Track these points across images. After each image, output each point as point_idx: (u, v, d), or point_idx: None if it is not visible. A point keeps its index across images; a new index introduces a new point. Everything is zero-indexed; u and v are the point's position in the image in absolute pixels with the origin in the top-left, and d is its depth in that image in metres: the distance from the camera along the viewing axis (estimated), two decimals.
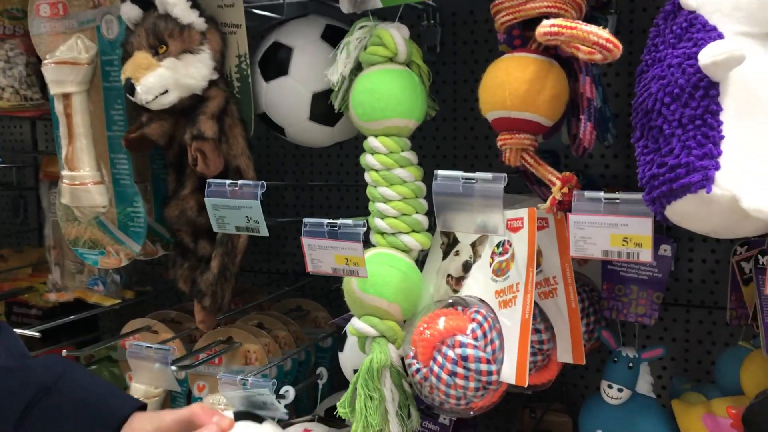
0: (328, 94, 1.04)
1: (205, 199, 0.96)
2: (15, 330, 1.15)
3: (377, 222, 0.94)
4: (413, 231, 0.94)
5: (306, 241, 0.89)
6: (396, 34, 0.93)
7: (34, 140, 1.88)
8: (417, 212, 0.94)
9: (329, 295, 1.47)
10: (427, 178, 0.90)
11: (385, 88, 0.91)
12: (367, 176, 0.95)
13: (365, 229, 0.87)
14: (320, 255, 0.89)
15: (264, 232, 0.96)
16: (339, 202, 1.60)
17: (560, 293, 0.89)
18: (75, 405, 0.91)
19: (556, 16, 0.84)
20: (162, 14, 1.00)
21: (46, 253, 1.42)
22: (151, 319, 1.33)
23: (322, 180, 1.60)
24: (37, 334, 1.12)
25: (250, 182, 0.94)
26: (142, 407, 0.95)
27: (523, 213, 0.85)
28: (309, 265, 0.91)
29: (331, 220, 0.88)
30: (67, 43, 1.12)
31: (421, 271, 0.96)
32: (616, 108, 1.22)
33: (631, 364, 0.97)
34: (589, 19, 0.98)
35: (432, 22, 1.48)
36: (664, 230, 0.98)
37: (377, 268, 0.90)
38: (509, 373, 0.83)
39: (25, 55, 1.25)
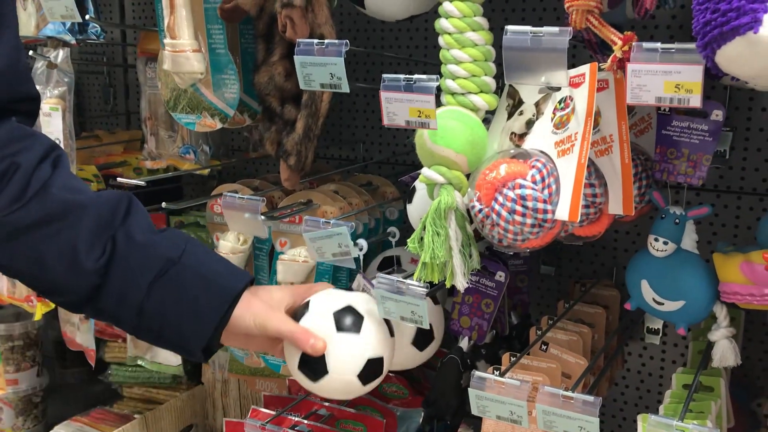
0: None
1: (295, 57, 1.06)
2: (120, 180, 1.31)
3: (448, 83, 1.02)
4: (482, 91, 1.02)
5: (384, 95, 0.99)
6: None
7: (122, 16, 2.00)
8: (486, 74, 1.02)
9: (396, 176, 1.58)
10: (498, 38, 0.98)
11: None
12: (441, 40, 1.03)
13: (437, 84, 0.96)
14: (396, 108, 0.98)
15: (345, 88, 1.06)
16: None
17: (615, 150, 0.98)
18: (195, 278, 1.00)
19: None
20: None
21: (142, 125, 1.57)
22: (238, 185, 1.47)
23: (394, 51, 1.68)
24: (143, 182, 1.26)
25: (335, 41, 1.04)
26: (252, 281, 1.07)
27: (585, 69, 0.93)
28: (385, 118, 1.01)
29: (407, 76, 0.98)
30: None
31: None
32: None
33: (677, 221, 1.05)
34: None
35: None
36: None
37: (447, 122, 1.00)
38: (563, 211, 0.92)
39: None
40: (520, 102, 1.05)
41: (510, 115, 1.05)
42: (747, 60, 0.76)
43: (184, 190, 1.92)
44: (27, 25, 1.45)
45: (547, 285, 1.63)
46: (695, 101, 0.82)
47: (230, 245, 1.42)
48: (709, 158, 1.03)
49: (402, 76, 0.98)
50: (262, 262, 1.46)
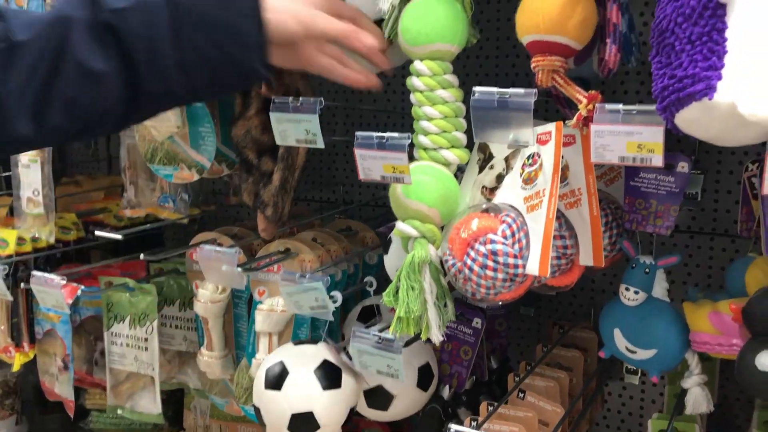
0: (379, 23, 1.16)
1: (270, 113, 1.08)
2: (97, 233, 1.30)
3: (420, 138, 1.05)
4: (452, 146, 1.04)
5: (358, 152, 1.01)
6: None
7: None
8: (456, 130, 1.05)
9: (376, 219, 1.60)
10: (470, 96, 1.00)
11: (430, 15, 1.01)
12: (412, 97, 1.06)
13: (410, 141, 0.99)
14: (370, 164, 1.01)
15: (321, 144, 1.08)
16: (385, 128, 1.72)
17: (583, 203, 1.00)
18: (204, 1, 0.90)
19: None
20: None
21: (122, 173, 1.58)
22: (216, 233, 1.48)
23: (370, 104, 1.71)
24: (120, 236, 1.27)
25: (310, 99, 1.06)
26: None
27: (551, 127, 0.95)
28: (361, 173, 1.03)
29: (380, 134, 1.00)
30: None
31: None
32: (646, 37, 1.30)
33: (647, 270, 1.07)
34: None
35: None
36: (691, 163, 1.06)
37: (419, 176, 1.02)
38: (533, 266, 0.94)
39: None
40: (491, 156, 1.07)
41: (481, 169, 1.08)
42: (704, 123, 0.78)
43: (164, 236, 1.92)
44: None
45: (527, 325, 1.65)
46: (657, 161, 0.85)
47: (209, 294, 1.42)
48: (676, 209, 1.05)
49: (375, 134, 1.01)
50: (241, 311, 1.47)
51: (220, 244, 1.46)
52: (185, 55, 0.90)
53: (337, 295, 1.16)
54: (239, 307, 1.47)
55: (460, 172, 1.11)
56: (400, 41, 1.06)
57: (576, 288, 1.59)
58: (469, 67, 1.59)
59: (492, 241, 0.95)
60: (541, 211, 0.94)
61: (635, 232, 1.11)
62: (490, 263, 0.94)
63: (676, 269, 1.46)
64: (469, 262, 0.96)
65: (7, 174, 1.64)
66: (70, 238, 1.68)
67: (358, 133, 1.02)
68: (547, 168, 0.94)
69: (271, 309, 1.32)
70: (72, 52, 0.87)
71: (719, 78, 0.75)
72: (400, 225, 1.04)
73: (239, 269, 1.22)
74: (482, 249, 0.95)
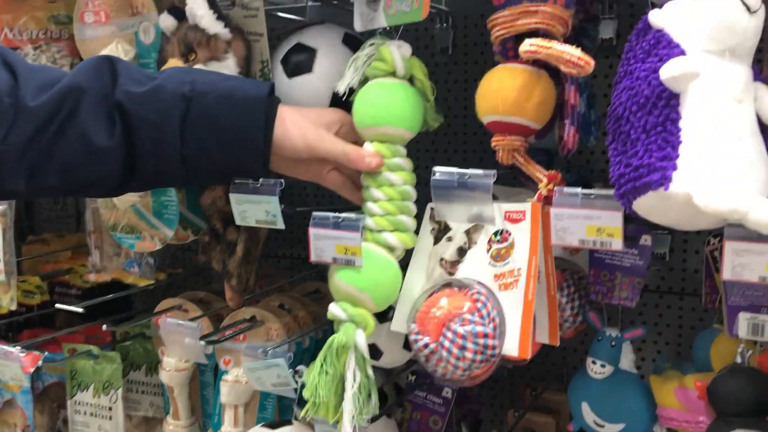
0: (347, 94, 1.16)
1: (229, 194, 1.07)
2: (57, 306, 1.28)
3: (366, 220, 1.02)
4: (396, 230, 1.01)
5: (312, 231, 1.00)
6: (395, 52, 1.01)
7: None
8: (402, 213, 1.01)
9: None
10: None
11: (379, 99, 1.00)
12: (362, 177, 1.04)
13: (363, 221, 0.98)
14: (323, 244, 1.00)
15: (280, 225, 1.07)
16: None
17: (542, 281, 0.99)
18: (219, 103, 0.93)
19: (546, 31, 0.94)
20: (192, 25, 1.11)
21: (87, 237, 1.55)
22: (182, 299, 1.45)
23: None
24: (81, 309, 1.25)
25: (270, 180, 1.05)
26: (273, 88, 1.00)
27: (525, 207, 0.94)
28: (312, 254, 1.02)
29: (336, 214, 0.99)
30: (108, 47, 1.24)
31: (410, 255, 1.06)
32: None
33: (613, 343, 1.06)
34: (579, 31, 1.08)
35: (445, 25, 1.59)
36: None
37: None
38: (512, 347, 0.93)
39: (70, 57, 1.38)
40: (447, 227, 1.05)
41: (437, 240, 1.06)
42: (661, 211, 0.79)
43: (132, 296, 1.89)
44: None
45: (500, 385, 1.63)
46: (617, 245, 0.84)
47: (174, 362, 1.39)
48: (641, 282, 1.05)
49: (331, 214, 1.00)
50: (207, 378, 1.44)
51: (185, 311, 1.44)
52: (189, 149, 0.93)
53: (302, 369, 1.14)
54: (205, 374, 1.44)
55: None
56: (354, 122, 1.04)
57: (547, 347, 1.59)
58: (438, 143, 1.60)
59: (470, 322, 0.93)
60: (517, 290, 0.93)
61: (601, 303, 1.11)
62: (469, 345, 0.93)
63: (647, 329, 1.46)
64: (446, 343, 0.94)
65: None
66: (34, 302, 1.65)
67: (315, 213, 1.01)
68: (522, 248, 0.94)
69: (236, 380, 1.29)
70: (79, 122, 0.90)
71: (674, 168, 0.75)
72: (331, 306, 1.02)
73: (202, 342, 1.20)
74: (460, 330, 0.93)
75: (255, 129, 0.94)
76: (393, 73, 1.02)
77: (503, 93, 0.94)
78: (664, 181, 0.75)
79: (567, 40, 1.00)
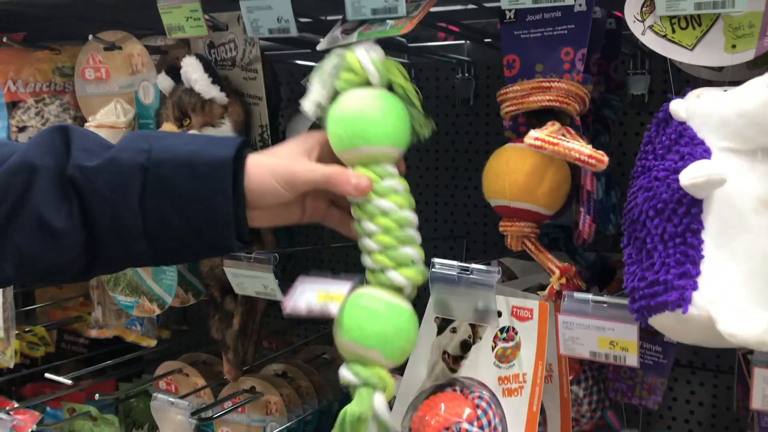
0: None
1: (225, 268, 1.01)
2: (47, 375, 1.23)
3: (364, 259, 0.87)
4: (399, 265, 0.83)
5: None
6: (363, 56, 0.84)
7: None
8: (404, 245, 0.84)
9: None
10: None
11: (354, 114, 0.83)
12: (351, 209, 0.87)
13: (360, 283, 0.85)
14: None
15: (280, 297, 1.00)
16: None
17: (554, 381, 0.90)
18: (178, 172, 0.81)
19: (560, 109, 0.86)
20: (187, 88, 1.06)
21: (90, 291, 1.51)
22: (182, 363, 1.40)
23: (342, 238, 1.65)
24: (69, 382, 1.19)
25: (263, 255, 0.98)
26: (246, 143, 0.85)
27: (533, 305, 0.86)
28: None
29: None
30: (107, 106, 1.19)
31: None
32: None
33: None
34: (601, 102, 0.99)
35: (466, 75, 1.51)
36: None
37: (351, 310, 0.83)
38: None
39: (73, 110, 1.33)
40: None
41: (440, 330, 0.97)
42: (683, 332, 0.69)
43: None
44: None
45: None
46: (631, 360, 0.75)
47: None
48: (664, 382, 0.95)
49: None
50: None
51: (186, 375, 1.38)
52: (152, 227, 0.82)
53: None
54: None
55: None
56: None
57: None
58: (458, 197, 1.52)
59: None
60: (522, 399, 0.85)
61: (620, 401, 1.01)
62: None
63: (677, 406, 1.36)
64: None
65: None
66: (38, 354, 1.61)
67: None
68: (529, 351, 0.85)
69: None
70: (32, 203, 0.80)
71: (694, 287, 0.66)
72: (341, 371, 0.86)
73: (193, 420, 1.14)
74: None
75: (222, 199, 0.81)
76: (367, 82, 0.84)
77: (512, 177, 0.85)
78: (683, 302, 0.65)
79: (587, 113, 0.92)
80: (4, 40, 1.28)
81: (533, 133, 0.75)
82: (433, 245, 1.60)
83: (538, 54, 0.87)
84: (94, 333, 1.49)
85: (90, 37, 1.18)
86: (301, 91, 0.96)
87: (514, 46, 0.88)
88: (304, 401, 1.30)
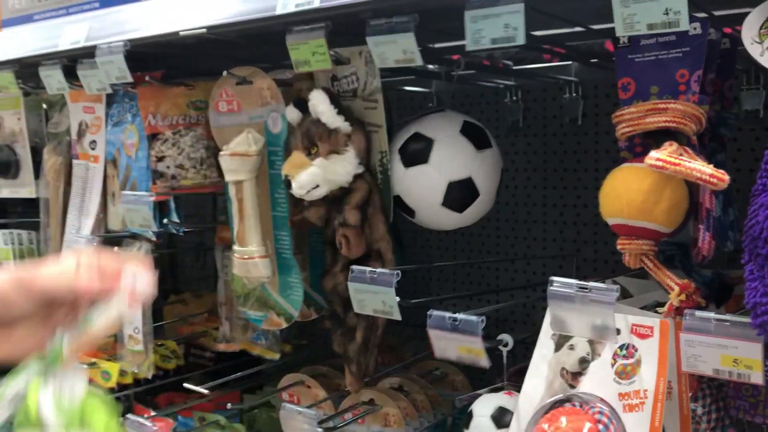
0: (463, 183, 1.14)
1: (348, 283, 1.08)
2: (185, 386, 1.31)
3: None
4: None
5: (432, 332, 0.98)
6: (44, 404, 0.67)
7: (214, 206, 2.12)
8: None
9: None
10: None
11: None
12: None
13: (484, 323, 0.94)
14: (444, 344, 0.97)
15: (397, 316, 1.06)
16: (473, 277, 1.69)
17: (674, 397, 0.91)
18: None
19: (676, 129, 0.88)
20: (314, 119, 1.14)
21: (218, 308, 1.62)
22: (304, 375, 1.47)
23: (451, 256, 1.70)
24: (206, 392, 1.29)
25: (386, 271, 1.04)
26: None
27: (653, 323, 0.88)
28: (436, 351, 1.00)
29: (452, 315, 0.96)
30: (240, 136, 1.29)
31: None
32: None
33: None
34: (717, 122, 1.00)
35: (574, 95, 1.54)
36: None
37: None
38: None
39: (206, 140, 1.45)
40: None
41: (558, 347, 1.00)
42: None
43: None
44: (114, 220, 1.56)
45: None
46: (756, 378, 0.76)
47: None
48: None
49: (447, 314, 0.97)
50: None
51: (308, 387, 1.46)
52: None
53: None
54: None
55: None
56: None
57: None
58: (566, 215, 1.54)
59: None
60: (644, 414, 0.87)
61: (742, 419, 1.00)
62: None
63: None
64: None
65: None
66: (170, 366, 1.73)
67: (431, 312, 0.99)
68: (650, 368, 0.87)
69: None
70: None
71: None
72: None
73: (320, 430, 1.21)
74: None
75: None
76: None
77: (629, 196, 0.88)
78: None
79: (703, 132, 0.94)
80: (147, 78, 1.41)
81: (654, 154, 0.78)
82: (542, 264, 1.63)
83: (654, 76, 0.90)
84: (221, 347, 1.59)
85: (224, 72, 1.28)
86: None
87: (629, 69, 0.91)
88: (420, 414, 1.35)
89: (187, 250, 2.26)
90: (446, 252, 1.76)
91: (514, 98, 1.62)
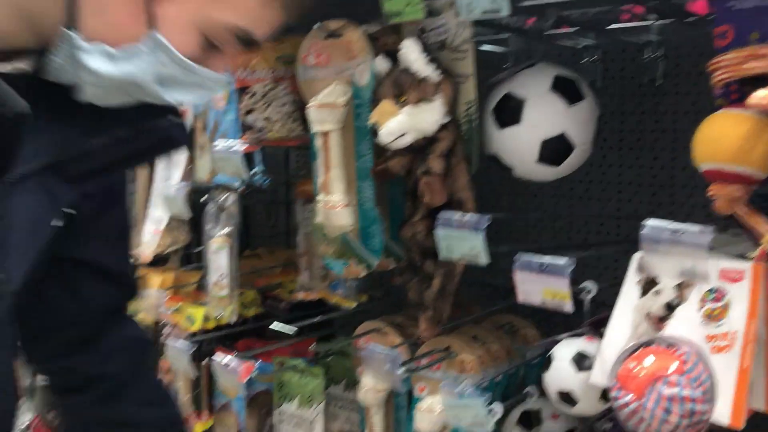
0: (557, 139, 1.18)
1: (436, 230, 1.11)
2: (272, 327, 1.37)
3: None
4: None
5: (518, 275, 1.01)
6: None
7: (286, 164, 2.18)
8: None
9: (539, 314, 1.57)
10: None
11: None
12: None
13: (573, 266, 0.96)
14: (528, 288, 1.00)
15: (484, 260, 1.09)
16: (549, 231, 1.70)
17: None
18: None
19: None
20: (404, 68, 1.18)
21: (298, 258, 1.68)
22: (381, 322, 1.52)
23: (534, 207, 1.71)
24: (292, 331, 1.34)
25: (476, 216, 1.07)
26: None
27: (745, 266, 0.89)
28: (519, 295, 1.02)
29: (541, 259, 0.99)
30: (328, 88, 1.34)
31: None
32: None
33: None
34: None
35: (654, 55, 1.53)
36: None
37: None
38: (724, 415, 0.88)
39: (292, 95, 1.50)
40: (654, 281, 1.01)
41: (643, 292, 1.02)
42: None
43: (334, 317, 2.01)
44: (202, 171, 1.62)
45: None
46: None
47: (372, 383, 1.45)
48: None
49: (535, 257, 1.00)
50: (401, 401, 1.49)
51: (384, 334, 1.50)
52: None
53: (497, 407, 1.15)
54: (399, 397, 1.49)
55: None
56: None
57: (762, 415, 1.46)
58: (642, 176, 1.54)
59: (677, 384, 0.89)
60: (731, 355, 0.88)
61: None
62: (674, 408, 0.89)
63: None
64: (649, 404, 0.90)
65: (199, 249, 1.80)
66: (250, 313, 1.80)
67: (521, 256, 1.01)
68: (739, 310, 0.88)
69: (429, 409, 1.33)
70: None
71: None
72: None
73: (401, 371, 1.25)
74: (666, 392, 0.89)
75: None
76: None
77: (726, 141, 0.89)
78: None
79: None
80: None
81: (762, 92, 0.79)
82: (617, 225, 1.63)
83: (753, 23, 0.90)
84: (301, 295, 1.65)
85: (316, 24, 1.32)
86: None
87: (728, 16, 0.92)
88: (495, 364, 1.38)
89: (257, 206, 2.33)
90: (520, 209, 1.77)
91: (593, 58, 1.62)
